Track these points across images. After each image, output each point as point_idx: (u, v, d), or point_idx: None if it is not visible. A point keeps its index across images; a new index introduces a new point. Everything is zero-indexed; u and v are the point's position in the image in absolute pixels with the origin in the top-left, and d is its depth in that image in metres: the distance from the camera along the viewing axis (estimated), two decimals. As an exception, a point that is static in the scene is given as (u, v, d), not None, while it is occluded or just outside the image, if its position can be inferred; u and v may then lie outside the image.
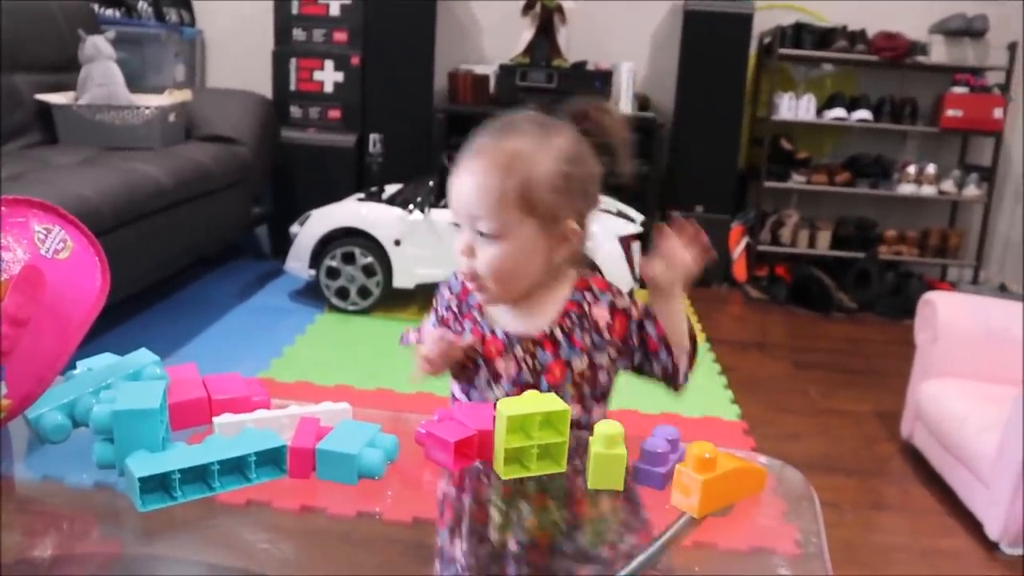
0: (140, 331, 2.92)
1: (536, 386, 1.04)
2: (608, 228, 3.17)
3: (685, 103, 3.99)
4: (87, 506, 0.95)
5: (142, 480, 0.76)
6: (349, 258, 3.25)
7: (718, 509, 0.85)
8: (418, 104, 3.89)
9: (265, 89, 3.95)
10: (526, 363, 1.05)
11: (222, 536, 0.90)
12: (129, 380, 0.91)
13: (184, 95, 3.46)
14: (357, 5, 3.88)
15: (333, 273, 3.27)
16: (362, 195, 3.47)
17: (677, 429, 0.92)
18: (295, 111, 3.99)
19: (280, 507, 0.92)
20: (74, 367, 0.98)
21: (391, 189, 3.49)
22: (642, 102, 4.12)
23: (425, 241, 3.20)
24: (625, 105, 3.96)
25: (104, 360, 0.99)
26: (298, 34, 3.97)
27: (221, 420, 0.86)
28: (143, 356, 0.97)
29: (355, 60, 3.92)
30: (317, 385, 2.58)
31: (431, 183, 3.27)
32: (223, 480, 0.80)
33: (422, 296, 3.42)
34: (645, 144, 3.94)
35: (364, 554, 0.95)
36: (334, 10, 3.92)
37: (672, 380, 1.10)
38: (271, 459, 0.82)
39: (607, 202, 3.37)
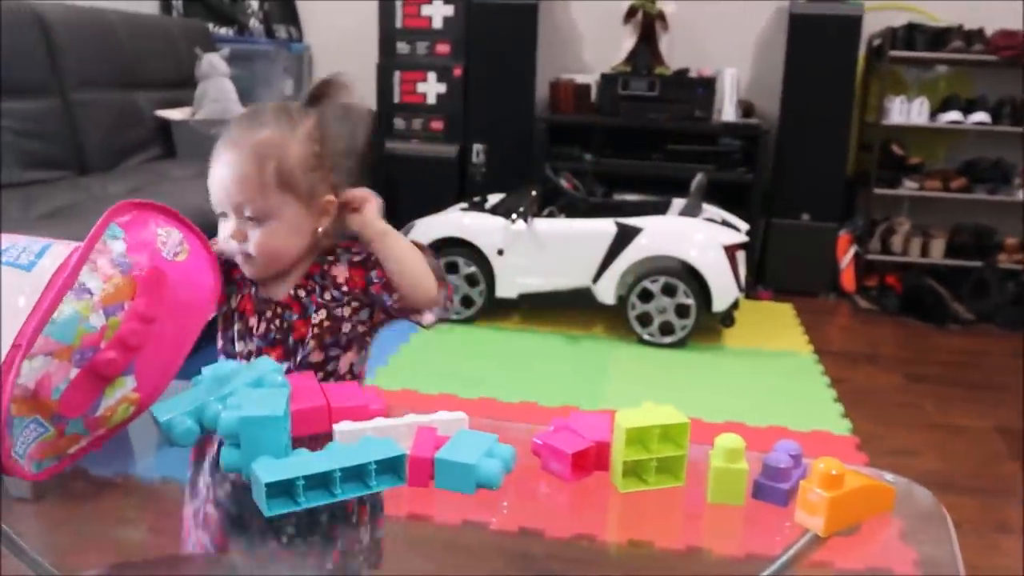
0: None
1: (284, 343, 1.14)
2: (712, 237, 3.12)
3: (791, 108, 3.90)
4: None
5: (268, 485, 0.77)
6: (452, 268, 3.28)
7: (844, 528, 0.82)
8: (520, 114, 3.90)
9: (369, 101, 4.03)
10: (274, 324, 1.14)
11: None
12: (252, 387, 0.93)
13: (293, 109, 3.54)
14: (460, 17, 3.92)
15: (437, 282, 3.30)
16: (465, 205, 3.50)
17: (799, 444, 0.89)
18: (399, 123, 4.06)
19: (387, 513, 0.93)
20: (199, 372, 1.01)
21: (494, 199, 3.51)
22: (746, 108, 4.05)
23: (528, 251, 3.21)
24: (729, 112, 3.90)
25: (227, 367, 1.01)
26: (402, 47, 4.04)
27: (342, 428, 0.87)
28: (265, 363, 0.99)
29: (457, 71, 3.96)
30: (421, 393, 2.61)
31: (534, 193, 3.28)
32: (344, 487, 0.81)
33: (525, 306, 3.43)
34: (749, 151, 3.87)
35: (471, 562, 0.95)
36: (437, 23, 3.97)
37: (415, 318, 1.21)
38: (390, 467, 0.83)
39: (712, 211, 3.32)
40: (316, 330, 1.15)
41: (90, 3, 3.30)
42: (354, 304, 1.17)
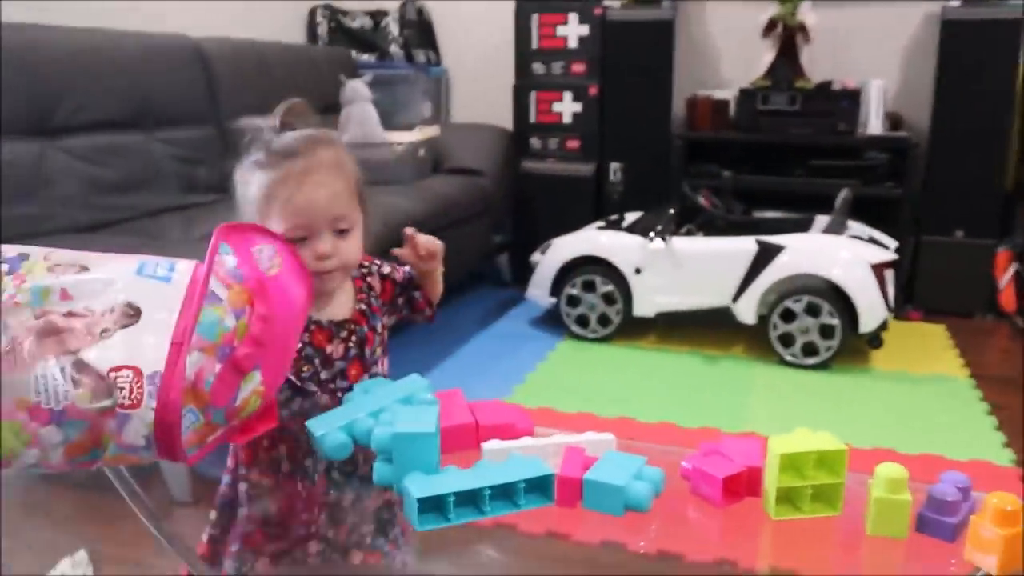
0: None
1: (361, 356, 1.19)
2: (859, 255, 3.00)
3: (943, 119, 3.71)
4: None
5: (420, 501, 0.79)
6: (589, 286, 3.27)
7: (1018, 570, 0.77)
8: (656, 131, 3.87)
9: (506, 122, 4.09)
10: (350, 342, 1.18)
11: (474, 556, 0.92)
12: (402, 404, 0.95)
13: (432, 131, 3.64)
14: (595, 36, 3.93)
15: (573, 301, 3.31)
16: (602, 223, 3.50)
17: (968, 476, 0.85)
18: (535, 142, 4.09)
19: (526, 531, 0.93)
20: (351, 389, 1.05)
21: (631, 217, 3.49)
22: (894, 121, 3.88)
23: (666, 269, 3.17)
24: (875, 125, 3.75)
25: (376, 383, 1.04)
26: (537, 67, 4.07)
27: (490, 446, 0.88)
28: (415, 381, 1.02)
29: (593, 90, 3.97)
30: (559, 412, 2.61)
31: (671, 211, 3.24)
32: (493, 505, 0.82)
33: (662, 324, 3.38)
34: (897, 165, 3.71)
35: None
36: (572, 42, 3.99)
37: (429, 320, 1.35)
38: (539, 487, 0.83)
39: (857, 228, 3.20)
40: (379, 339, 1.24)
41: (244, 36, 3.47)
42: (386, 312, 1.28)
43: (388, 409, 0.93)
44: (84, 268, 0.84)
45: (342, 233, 1.13)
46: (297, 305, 0.91)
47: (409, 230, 1.23)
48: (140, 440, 0.78)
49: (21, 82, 2.38)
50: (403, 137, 3.47)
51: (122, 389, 0.77)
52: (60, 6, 2.78)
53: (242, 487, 1.11)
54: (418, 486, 0.80)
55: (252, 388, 0.85)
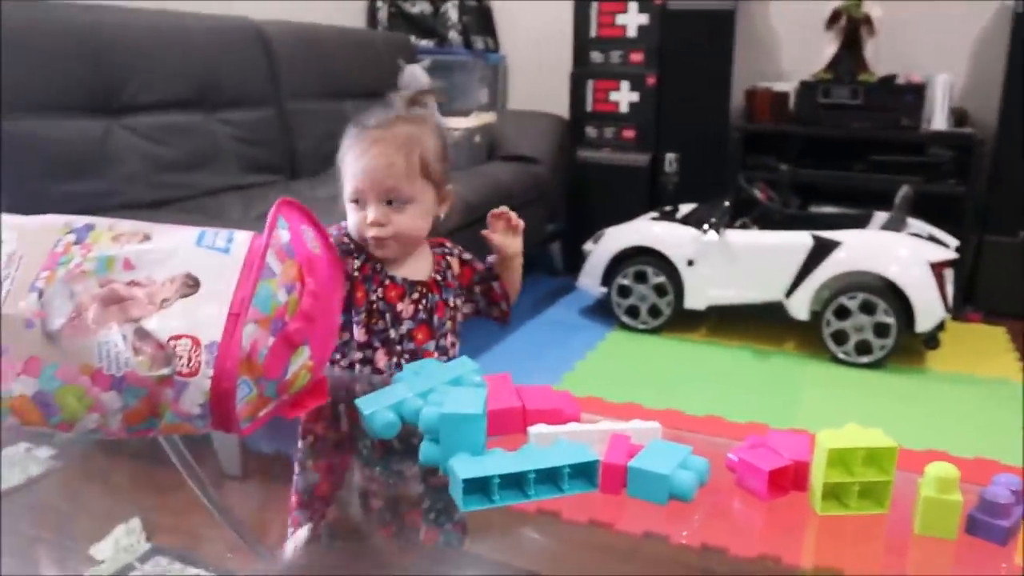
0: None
1: (429, 322, 1.27)
2: (918, 253, 2.95)
3: (1012, 116, 3.61)
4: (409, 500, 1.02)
5: (466, 482, 0.80)
6: (641, 277, 3.26)
7: (1071, 574, 0.76)
8: (714, 123, 3.83)
9: (562, 110, 4.08)
10: (421, 304, 1.26)
11: (514, 540, 0.93)
12: (451, 385, 0.96)
13: (489, 117, 3.65)
14: (654, 25, 3.89)
15: (625, 291, 3.30)
16: (656, 214, 3.48)
17: (1021, 479, 0.83)
18: (590, 131, 4.07)
19: (569, 518, 0.93)
20: (416, 354, 1.07)
21: (685, 208, 3.47)
22: (959, 117, 3.79)
23: (719, 262, 3.15)
24: (939, 120, 3.67)
25: (426, 365, 1.05)
26: (595, 56, 4.05)
27: (536, 430, 0.89)
28: (464, 363, 1.03)
29: (651, 80, 3.94)
30: (607, 401, 2.61)
31: (726, 203, 3.21)
32: (537, 489, 0.83)
33: (714, 317, 3.36)
34: (962, 162, 3.62)
35: (649, 573, 0.94)
36: (631, 31, 3.96)
37: (504, 320, 1.39)
38: (583, 472, 0.84)
39: (917, 226, 3.14)
40: (452, 312, 1.30)
41: (305, 20, 3.51)
42: (461, 296, 1.34)
43: (437, 390, 0.94)
44: (147, 238, 0.87)
45: (397, 205, 1.20)
46: (336, 286, 0.94)
47: (500, 209, 1.31)
48: (196, 408, 0.81)
49: (89, 61, 2.44)
50: (460, 123, 3.48)
51: (181, 357, 0.79)
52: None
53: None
54: (464, 467, 0.81)
55: (302, 363, 0.87)
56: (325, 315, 0.90)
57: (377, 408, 0.93)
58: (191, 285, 0.82)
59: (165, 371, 0.79)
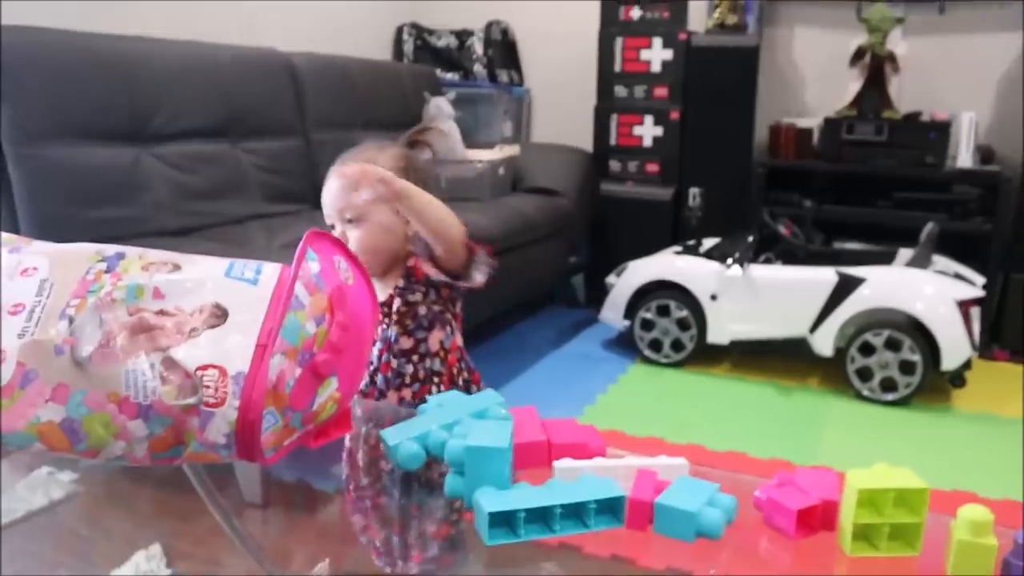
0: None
1: (391, 336, 1.37)
2: (945, 291, 2.92)
3: (1038, 154, 3.60)
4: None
5: (491, 515, 0.79)
6: (664, 311, 3.25)
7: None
8: (737, 158, 3.83)
9: (586, 143, 4.09)
10: (385, 321, 1.37)
11: (536, 574, 0.92)
12: (476, 418, 0.96)
13: (512, 150, 3.67)
14: (678, 61, 3.91)
15: (647, 325, 3.29)
16: (679, 248, 3.48)
17: (1056, 522, 0.81)
18: (614, 165, 4.09)
19: (590, 552, 0.92)
20: (424, 401, 1.06)
21: (708, 243, 3.46)
22: (985, 154, 3.78)
23: (742, 297, 3.13)
24: (965, 158, 3.65)
25: (451, 397, 1.05)
26: (619, 90, 4.07)
27: (562, 465, 0.88)
28: (489, 396, 1.02)
29: (674, 115, 3.95)
30: (628, 435, 2.59)
31: (750, 238, 3.20)
32: (563, 523, 0.82)
33: (737, 352, 3.34)
34: (988, 200, 3.60)
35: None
36: (655, 66, 3.98)
37: (466, 284, 1.41)
38: (609, 508, 0.83)
39: (943, 263, 3.12)
40: (396, 316, 1.36)
41: (332, 52, 3.56)
42: (422, 289, 1.39)
43: (462, 422, 0.94)
44: (176, 267, 0.87)
45: (351, 224, 1.29)
46: (368, 317, 0.93)
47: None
48: (221, 438, 0.81)
49: (120, 91, 2.48)
50: (484, 155, 3.51)
51: (208, 387, 0.79)
52: (159, 17, 2.89)
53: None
54: (490, 500, 0.80)
55: (328, 394, 0.87)
56: (355, 347, 0.90)
57: (402, 439, 0.93)
58: (219, 315, 0.82)
59: (191, 400, 0.79)
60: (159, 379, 0.79)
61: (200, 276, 0.85)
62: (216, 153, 2.79)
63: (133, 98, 2.52)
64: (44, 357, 0.79)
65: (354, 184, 1.24)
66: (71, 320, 0.80)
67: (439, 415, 0.97)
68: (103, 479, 1.56)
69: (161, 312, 0.82)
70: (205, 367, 0.79)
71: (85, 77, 2.39)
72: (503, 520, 0.81)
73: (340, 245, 0.96)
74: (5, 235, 0.92)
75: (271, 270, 0.88)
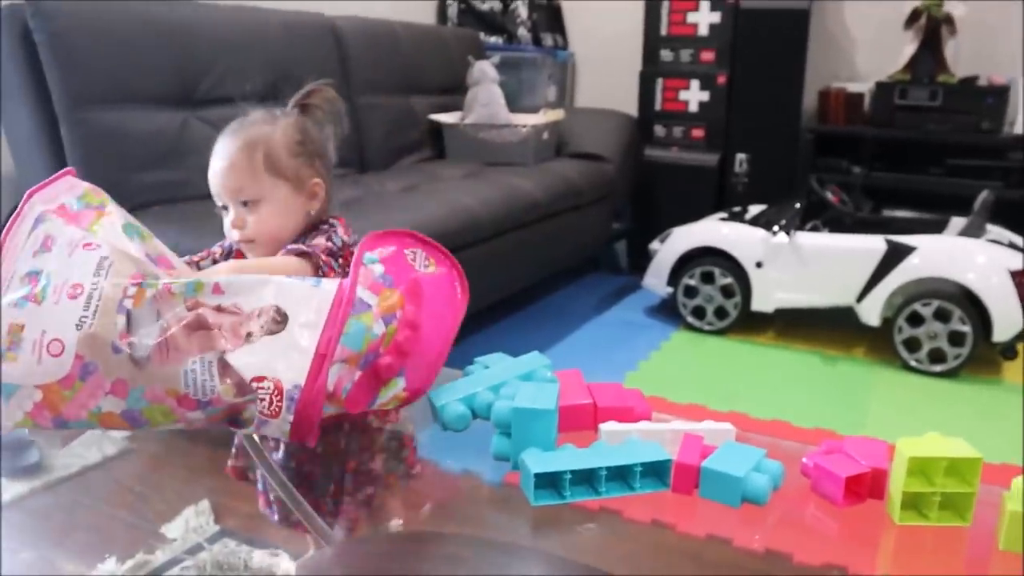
0: (506, 334, 3.11)
1: None
2: (998, 261, 2.86)
3: (1099, 121, 3.49)
4: (478, 493, 1.02)
5: (537, 476, 0.79)
6: (708, 278, 3.22)
7: None
8: (785, 123, 3.77)
9: (631, 108, 4.05)
10: None
11: (576, 537, 0.92)
12: (523, 380, 0.96)
13: (557, 114, 3.64)
14: (726, 24, 3.85)
15: (691, 292, 3.27)
16: (724, 215, 3.44)
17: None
18: (659, 130, 4.04)
19: (631, 517, 0.92)
20: (471, 363, 1.06)
21: (754, 210, 3.42)
22: (1044, 121, 3.67)
23: (788, 264, 3.09)
24: (1020, 124, 3.55)
25: (498, 359, 1.06)
26: (665, 55, 4.01)
27: (608, 428, 0.89)
28: (535, 359, 1.03)
29: (721, 79, 3.89)
30: (670, 402, 2.58)
31: (797, 205, 3.16)
32: (608, 486, 0.82)
33: (781, 321, 3.31)
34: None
35: (710, 576, 0.93)
36: (703, 30, 3.92)
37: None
38: (655, 471, 0.83)
39: (996, 232, 3.06)
40: None
41: (377, 16, 3.55)
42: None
43: (509, 384, 0.95)
44: None
45: (247, 206, 1.17)
46: (454, 303, 0.92)
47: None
48: (276, 435, 0.82)
49: (170, 55, 2.49)
50: (527, 120, 3.49)
51: (263, 400, 0.79)
52: (208, -18, 2.90)
53: None
54: (536, 462, 0.81)
55: (393, 394, 0.85)
56: (429, 343, 0.88)
57: (449, 400, 0.94)
58: (279, 321, 0.81)
59: (250, 397, 0.80)
60: (217, 379, 0.79)
61: (265, 277, 0.84)
62: (262, 117, 2.81)
63: (181, 62, 2.53)
64: (102, 352, 0.78)
65: (250, 161, 1.16)
66: (129, 315, 0.79)
67: (486, 377, 0.98)
68: (155, 437, 1.59)
69: (219, 308, 0.81)
70: (260, 379, 0.79)
71: (135, 42, 2.40)
72: (548, 481, 0.81)
73: (416, 238, 0.93)
74: (87, 185, 0.92)
75: (330, 281, 0.87)
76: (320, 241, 1.16)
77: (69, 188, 0.91)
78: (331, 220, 1.22)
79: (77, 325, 0.78)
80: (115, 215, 0.88)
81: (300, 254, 1.11)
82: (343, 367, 0.81)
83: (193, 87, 2.56)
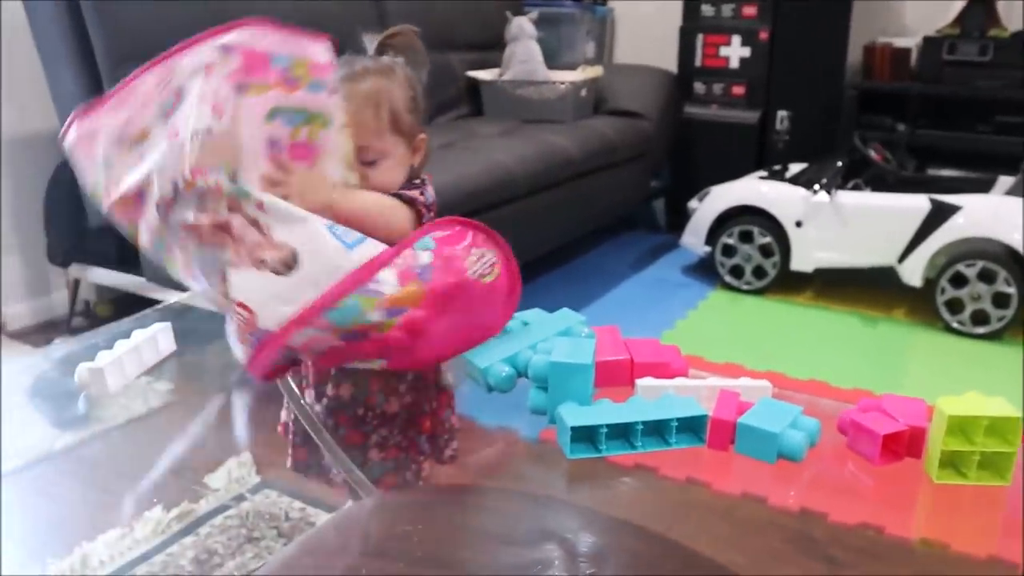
0: (542, 293, 3.11)
1: None
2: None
3: None
4: (515, 448, 1.04)
5: (573, 430, 0.80)
6: (746, 237, 3.19)
7: None
8: (828, 80, 3.69)
9: (670, 64, 3.99)
10: None
11: (611, 491, 0.93)
12: (561, 336, 0.97)
13: (595, 71, 3.60)
14: (771, -23, 3.76)
15: (729, 251, 3.24)
16: (764, 173, 3.39)
17: None
18: (699, 87, 3.98)
19: (666, 475, 0.92)
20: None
21: (795, 168, 3.37)
22: (1099, 77, 3.57)
23: (829, 224, 3.05)
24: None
25: (534, 315, 1.06)
26: (706, 9, 3.94)
27: (644, 383, 0.89)
28: (569, 316, 1.03)
29: (763, 35, 3.81)
30: (707, 361, 2.57)
31: (839, 163, 3.11)
32: (644, 440, 0.83)
33: (820, 280, 3.27)
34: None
35: (746, 535, 0.93)
36: (746, -17, 3.84)
37: None
38: (691, 427, 0.83)
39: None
40: None
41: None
42: None
43: (548, 340, 0.95)
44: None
45: (368, 164, 1.14)
46: (496, 317, 0.88)
47: None
48: (237, 355, 0.86)
49: (208, 12, 2.49)
50: (566, 76, 3.45)
51: (237, 321, 0.83)
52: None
53: None
54: (572, 415, 0.82)
55: (369, 365, 0.87)
56: (430, 349, 0.84)
57: (492, 362, 0.93)
58: (289, 266, 0.80)
59: (229, 314, 0.84)
60: (215, 278, 0.83)
61: (306, 214, 0.83)
62: (300, 74, 2.81)
63: (219, 18, 2.53)
64: (151, 197, 0.84)
65: (377, 119, 1.13)
66: (176, 187, 0.82)
67: (525, 335, 0.98)
68: (198, 389, 1.62)
69: (254, 222, 0.81)
70: (243, 305, 0.81)
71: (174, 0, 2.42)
72: (585, 435, 0.82)
73: (491, 236, 0.89)
74: (308, 52, 0.93)
75: (372, 247, 0.84)
76: (415, 194, 1.15)
77: (292, 44, 0.92)
78: (423, 176, 1.21)
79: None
80: (297, 99, 0.88)
81: (408, 201, 1.10)
82: (319, 333, 0.80)
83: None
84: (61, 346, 2.23)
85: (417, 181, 1.22)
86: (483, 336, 0.88)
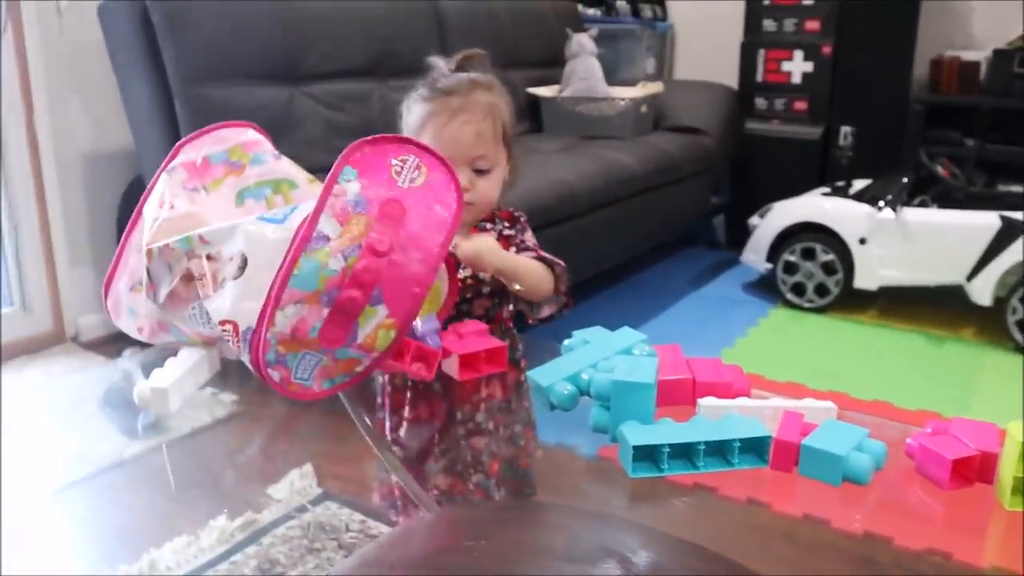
0: (601, 308, 3.11)
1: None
2: None
3: None
4: (574, 465, 1.04)
5: (636, 448, 0.80)
6: (809, 254, 3.15)
7: None
8: (894, 95, 3.64)
9: (731, 80, 3.97)
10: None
11: (670, 511, 0.92)
12: (623, 355, 0.96)
13: (656, 87, 3.60)
14: (834, -9, 3.72)
15: (791, 268, 3.20)
16: (827, 189, 3.35)
17: None
18: (760, 102, 3.95)
19: (726, 495, 0.91)
20: (570, 336, 1.07)
21: (859, 184, 3.32)
22: None
23: (894, 241, 3.00)
24: None
25: (596, 333, 1.06)
26: (768, 24, 3.91)
27: (707, 403, 0.88)
28: (630, 334, 1.03)
29: (826, 49, 3.77)
30: (768, 380, 2.55)
31: (905, 179, 3.05)
32: (706, 460, 0.82)
33: (885, 299, 3.21)
34: None
35: (808, 558, 0.92)
36: (808, -2, 3.80)
37: (528, 311, 1.24)
38: (754, 448, 0.83)
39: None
40: (460, 284, 1.17)
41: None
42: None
43: (608, 359, 0.95)
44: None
45: (481, 173, 1.19)
46: (443, 213, 0.88)
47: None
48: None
49: (278, 33, 2.57)
50: (626, 92, 3.46)
51: (227, 341, 0.85)
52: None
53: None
54: (635, 434, 0.81)
55: (375, 323, 0.84)
56: (409, 262, 0.84)
57: (555, 380, 0.93)
58: (241, 267, 0.84)
59: (222, 338, 0.87)
60: (210, 321, 0.87)
61: (235, 222, 0.87)
62: (364, 91, 2.86)
63: (287, 40, 2.60)
64: (146, 303, 0.93)
65: (493, 129, 1.19)
66: (148, 272, 0.90)
67: (589, 354, 0.98)
68: (261, 401, 1.65)
69: (210, 257, 0.86)
70: (224, 322, 0.84)
71: (244, 21, 2.49)
72: (647, 454, 0.82)
73: (408, 143, 0.91)
74: (243, 139, 0.99)
75: (306, 207, 0.86)
76: (528, 237, 1.24)
77: (222, 140, 0.98)
78: (517, 213, 1.27)
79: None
80: (251, 176, 0.96)
81: (546, 262, 1.18)
82: (301, 308, 0.81)
83: (299, 63, 2.63)
84: (132, 359, 2.30)
85: (517, 214, 1.28)
86: (445, 234, 0.87)
